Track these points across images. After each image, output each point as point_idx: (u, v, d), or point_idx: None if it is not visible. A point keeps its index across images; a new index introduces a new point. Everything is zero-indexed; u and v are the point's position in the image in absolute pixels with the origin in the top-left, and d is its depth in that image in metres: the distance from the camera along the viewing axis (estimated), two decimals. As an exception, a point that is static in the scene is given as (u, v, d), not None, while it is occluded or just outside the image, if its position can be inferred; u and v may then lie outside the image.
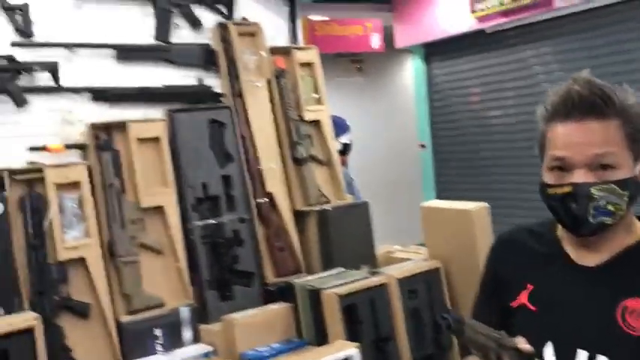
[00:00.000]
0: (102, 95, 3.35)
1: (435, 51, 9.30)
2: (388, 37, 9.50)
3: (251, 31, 3.73)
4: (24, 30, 3.14)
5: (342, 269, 3.32)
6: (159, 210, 3.26)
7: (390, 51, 9.85)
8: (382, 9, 9.28)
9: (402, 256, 3.72)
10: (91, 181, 3.15)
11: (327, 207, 3.59)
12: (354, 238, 3.57)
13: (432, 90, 9.59)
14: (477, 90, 8.79)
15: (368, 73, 11.09)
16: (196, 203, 3.34)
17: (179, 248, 3.24)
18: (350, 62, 10.76)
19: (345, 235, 3.53)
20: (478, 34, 8.18)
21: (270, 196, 3.54)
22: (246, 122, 3.59)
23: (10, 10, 3.12)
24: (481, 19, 7.92)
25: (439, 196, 9.12)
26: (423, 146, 9.74)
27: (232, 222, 3.39)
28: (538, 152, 1.69)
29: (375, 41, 9.45)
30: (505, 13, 7.57)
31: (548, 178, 1.60)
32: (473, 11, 7.91)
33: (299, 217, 3.62)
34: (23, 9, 3.15)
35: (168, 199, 3.27)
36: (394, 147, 10.68)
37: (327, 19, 9.00)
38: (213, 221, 3.35)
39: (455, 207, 3.48)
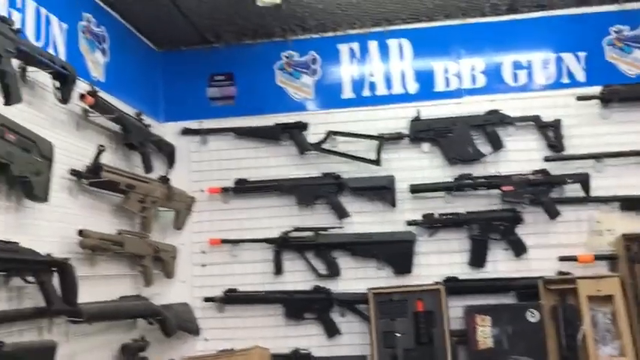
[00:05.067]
0: (631, 204, 3.22)
1: None
2: None
3: None
4: (556, 144, 3.32)
5: None
6: None
7: None
8: None
9: None
10: (624, 295, 3.00)
11: None
12: None
13: None
14: None
15: None
16: None
17: None
18: None
19: None
20: None
21: None
22: None
23: (543, 127, 3.35)
24: None
25: None
26: None
27: None
28: None
29: None
30: None
31: None
32: None
33: None
34: (555, 125, 3.34)
35: None
36: None
37: None
38: None
39: None
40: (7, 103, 2.06)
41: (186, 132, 3.61)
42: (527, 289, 3.15)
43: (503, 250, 3.31)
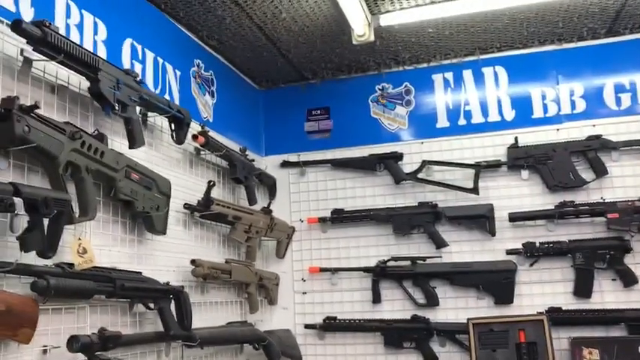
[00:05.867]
0: None
1: None
2: None
3: None
4: (665, 170, 3.17)
5: None
6: None
7: None
8: None
9: None
10: None
11: None
12: None
13: None
14: None
15: None
16: None
17: None
18: None
19: None
20: None
21: None
22: None
23: (650, 152, 3.21)
24: None
25: None
26: None
27: None
28: None
29: None
30: None
31: None
32: None
33: None
34: (664, 149, 3.19)
35: None
36: None
37: None
38: None
39: None
40: (132, 146, 2.30)
41: (286, 164, 3.79)
42: (638, 322, 3.00)
43: (610, 280, 3.19)
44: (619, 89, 3.38)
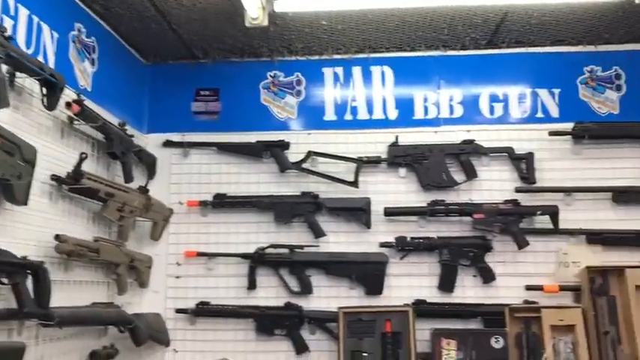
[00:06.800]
0: (597, 238, 3.33)
1: None
2: None
3: None
4: (527, 177, 3.43)
5: None
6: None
7: None
8: None
9: None
10: (585, 325, 3.09)
11: None
12: None
13: None
14: None
15: None
16: None
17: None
18: None
19: None
20: None
21: None
22: None
23: (516, 159, 3.46)
24: None
25: None
26: None
27: None
28: None
29: None
30: None
31: None
32: None
33: None
34: (527, 157, 3.46)
35: (673, 359, 2.93)
36: None
37: None
38: None
39: None
40: (-6, 106, 2.11)
41: (169, 144, 3.66)
42: (493, 316, 3.23)
43: (472, 276, 3.40)
44: (493, 99, 3.61)
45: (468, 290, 3.39)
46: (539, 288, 3.27)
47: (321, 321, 3.37)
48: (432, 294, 3.38)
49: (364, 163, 3.52)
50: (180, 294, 3.52)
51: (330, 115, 3.68)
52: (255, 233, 3.55)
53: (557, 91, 3.58)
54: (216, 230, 3.58)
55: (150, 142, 3.65)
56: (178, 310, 3.45)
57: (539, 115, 3.57)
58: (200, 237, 3.58)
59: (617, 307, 3.11)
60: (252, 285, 3.47)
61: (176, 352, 3.44)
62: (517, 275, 3.36)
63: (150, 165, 3.57)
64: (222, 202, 3.55)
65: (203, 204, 3.56)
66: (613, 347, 3.04)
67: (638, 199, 3.36)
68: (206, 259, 3.51)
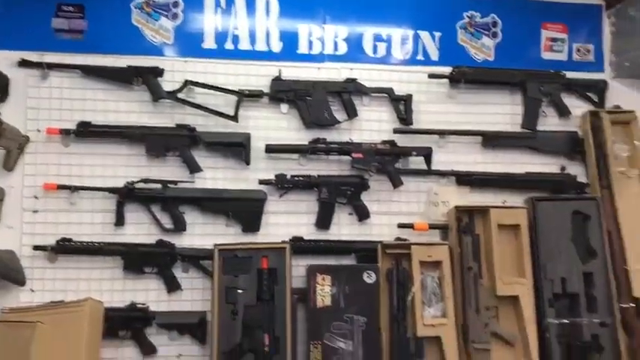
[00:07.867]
0: (466, 179, 3.49)
1: None
2: None
3: (625, 120, 3.50)
4: (405, 118, 3.48)
5: None
6: (513, 300, 3.21)
7: None
8: None
9: None
10: (451, 262, 3.26)
11: None
12: None
13: None
14: None
15: None
16: (553, 299, 3.19)
17: (532, 344, 3.13)
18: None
19: None
20: None
21: (636, 301, 3.20)
22: (614, 216, 3.34)
23: (395, 100, 3.49)
24: None
25: None
26: None
27: (591, 325, 3.16)
28: None
29: None
30: None
31: None
32: None
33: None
34: (406, 99, 3.50)
35: (524, 290, 3.20)
36: None
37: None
38: (571, 321, 3.15)
39: None
40: None
41: (25, 64, 3.25)
42: (366, 252, 3.30)
43: (348, 214, 3.44)
44: (377, 38, 3.58)
45: (344, 228, 3.42)
46: (410, 226, 3.37)
47: (195, 258, 3.26)
48: (309, 231, 3.37)
49: (245, 97, 3.37)
50: (38, 230, 3.21)
51: (209, 42, 3.45)
52: (125, 167, 3.30)
53: (438, 34, 3.63)
54: (79, 162, 3.28)
55: (1, 60, 3.21)
56: (36, 247, 3.15)
57: (420, 57, 3.61)
58: (62, 168, 3.26)
59: (480, 244, 3.30)
60: (119, 221, 3.24)
61: (33, 291, 3.17)
62: (390, 214, 3.45)
63: (2, 87, 3.16)
64: (86, 132, 3.24)
65: (65, 132, 3.23)
66: (475, 281, 3.23)
67: (505, 144, 3.56)
68: (68, 192, 3.22)
